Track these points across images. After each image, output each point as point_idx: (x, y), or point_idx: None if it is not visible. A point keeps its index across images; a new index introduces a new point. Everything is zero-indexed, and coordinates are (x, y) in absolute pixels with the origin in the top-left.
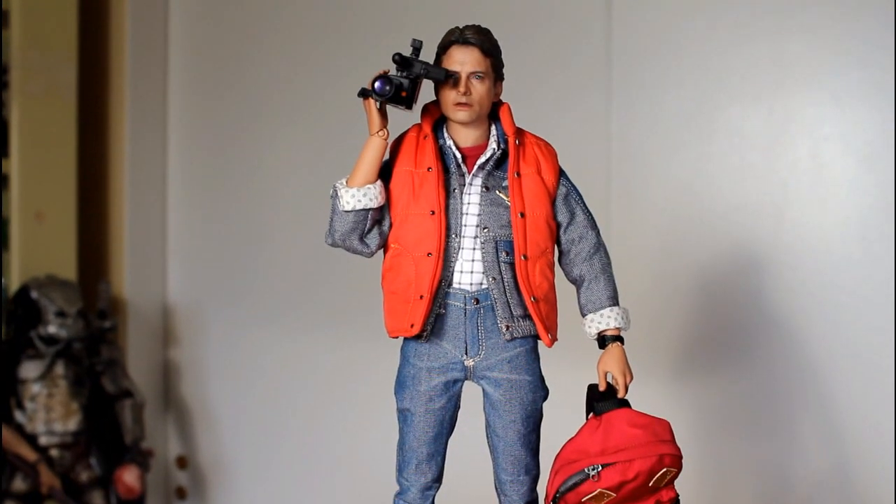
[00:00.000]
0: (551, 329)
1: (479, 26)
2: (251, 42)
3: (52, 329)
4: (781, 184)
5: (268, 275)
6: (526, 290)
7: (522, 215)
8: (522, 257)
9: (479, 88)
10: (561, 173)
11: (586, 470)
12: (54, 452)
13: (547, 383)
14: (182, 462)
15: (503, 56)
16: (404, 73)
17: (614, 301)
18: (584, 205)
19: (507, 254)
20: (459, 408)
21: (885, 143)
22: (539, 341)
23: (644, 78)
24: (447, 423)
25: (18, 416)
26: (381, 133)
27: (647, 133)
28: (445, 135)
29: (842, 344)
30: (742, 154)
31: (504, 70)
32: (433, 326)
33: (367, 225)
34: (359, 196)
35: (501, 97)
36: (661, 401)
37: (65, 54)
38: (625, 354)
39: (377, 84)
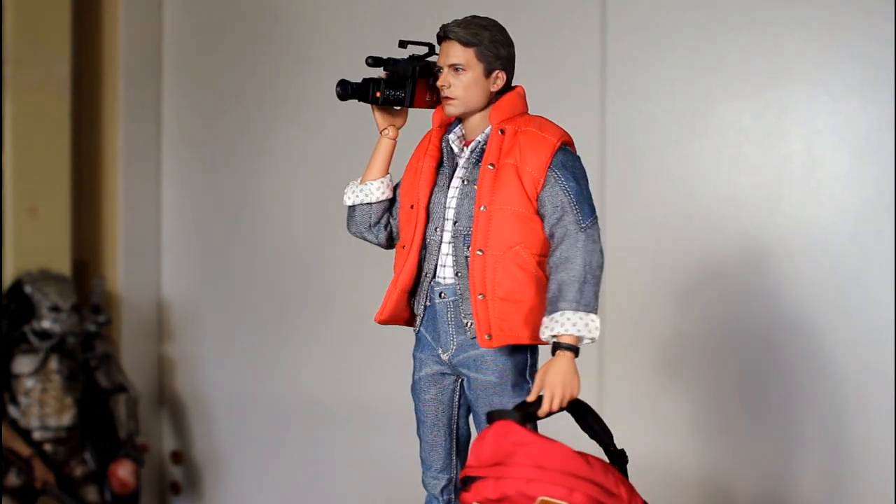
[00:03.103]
0: (500, 329)
1: (466, 18)
2: (246, 36)
3: (45, 324)
4: (776, 178)
5: (262, 269)
6: (474, 285)
7: (484, 208)
8: (478, 252)
9: (459, 81)
10: (553, 166)
11: (466, 477)
12: (48, 447)
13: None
14: (177, 457)
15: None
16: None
17: (575, 305)
18: (576, 198)
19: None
20: (459, 404)
21: (880, 137)
22: (525, 344)
23: (638, 72)
24: (442, 416)
25: (12, 411)
26: (385, 132)
27: (641, 128)
28: (458, 129)
29: (838, 338)
30: (736, 148)
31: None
32: (423, 318)
33: (374, 218)
34: (356, 191)
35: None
36: (655, 396)
37: (58, 48)
38: (568, 367)
39: (336, 88)
